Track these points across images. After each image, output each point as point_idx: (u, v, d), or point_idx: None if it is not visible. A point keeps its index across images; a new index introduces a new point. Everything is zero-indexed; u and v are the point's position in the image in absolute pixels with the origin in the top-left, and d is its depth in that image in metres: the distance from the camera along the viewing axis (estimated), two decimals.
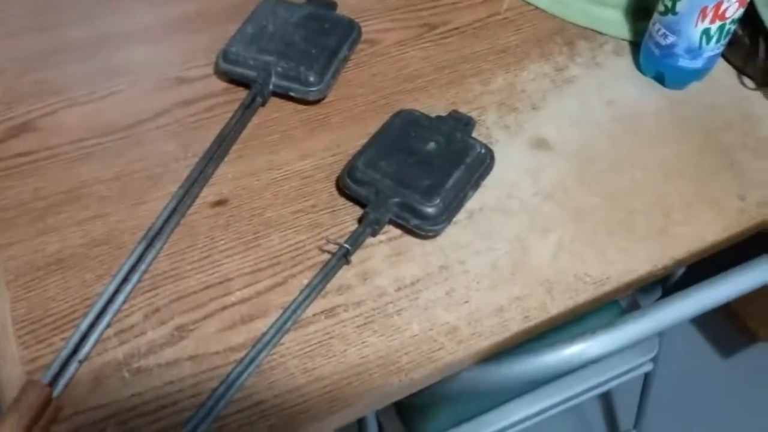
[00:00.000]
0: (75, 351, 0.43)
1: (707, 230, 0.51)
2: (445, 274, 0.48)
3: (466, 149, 0.52)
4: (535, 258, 0.49)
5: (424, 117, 0.54)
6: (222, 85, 0.59)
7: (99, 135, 0.55)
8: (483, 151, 0.52)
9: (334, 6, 0.63)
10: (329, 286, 0.47)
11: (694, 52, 0.56)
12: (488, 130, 0.56)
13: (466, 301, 0.47)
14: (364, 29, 0.62)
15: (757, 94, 0.60)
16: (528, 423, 0.71)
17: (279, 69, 0.56)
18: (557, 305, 0.47)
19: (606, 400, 1.15)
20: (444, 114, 0.55)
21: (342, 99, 0.58)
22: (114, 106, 0.57)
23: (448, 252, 0.49)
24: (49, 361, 0.43)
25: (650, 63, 0.60)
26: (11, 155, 0.53)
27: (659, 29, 0.57)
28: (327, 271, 0.47)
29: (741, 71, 0.61)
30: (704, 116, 0.58)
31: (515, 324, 0.46)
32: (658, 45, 0.58)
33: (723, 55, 0.60)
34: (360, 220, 0.49)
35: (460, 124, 0.54)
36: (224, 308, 0.46)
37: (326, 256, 0.48)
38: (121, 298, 0.45)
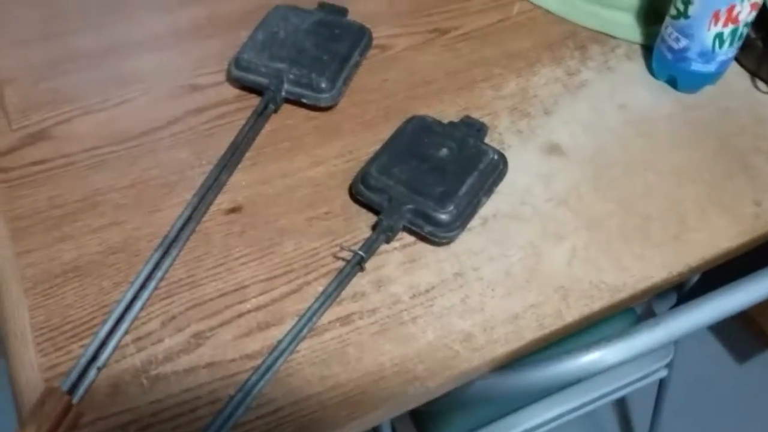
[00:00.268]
0: (94, 358, 0.43)
1: (722, 236, 0.51)
2: (459, 281, 0.48)
3: (479, 155, 0.52)
4: (550, 265, 0.49)
5: (437, 123, 0.54)
6: (234, 92, 0.59)
7: (113, 143, 0.55)
8: (496, 156, 0.52)
9: (344, 12, 0.63)
10: (344, 294, 0.47)
11: (707, 55, 0.56)
12: (501, 136, 0.56)
13: (481, 309, 0.47)
14: (375, 35, 0.62)
15: None
16: (542, 429, 0.71)
17: (291, 76, 0.56)
18: (572, 312, 0.47)
19: (621, 406, 1.14)
20: (456, 120, 0.55)
21: (354, 105, 0.58)
22: (127, 114, 0.57)
23: (462, 259, 0.49)
24: (68, 369, 0.43)
25: (663, 67, 0.60)
26: (26, 164, 0.54)
27: (672, 33, 0.57)
28: (342, 279, 0.47)
29: (754, 75, 0.61)
30: (718, 120, 0.58)
31: (530, 331, 0.46)
32: (670, 49, 0.58)
33: (736, 58, 0.60)
34: (373, 227, 0.50)
35: (472, 129, 0.54)
36: (240, 315, 0.46)
37: (340, 264, 0.48)
38: (138, 305, 0.45)
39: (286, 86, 0.56)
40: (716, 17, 0.54)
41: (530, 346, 0.46)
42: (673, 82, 0.60)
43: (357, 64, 0.60)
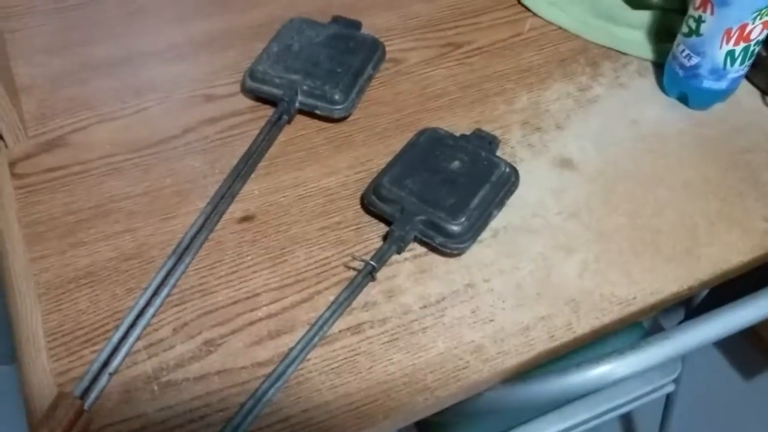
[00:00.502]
0: (106, 363, 0.43)
1: (733, 251, 0.51)
2: (470, 292, 0.48)
3: (490, 168, 0.52)
4: (561, 277, 0.49)
5: (449, 135, 0.55)
6: (248, 102, 0.60)
7: (128, 151, 0.56)
8: (508, 169, 0.52)
9: (358, 25, 0.64)
10: (355, 303, 0.47)
11: (718, 73, 0.57)
12: (512, 149, 0.57)
13: (492, 320, 0.47)
14: (388, 48, 0.62)
15: None
16: None
17: (305, 87, 0.57)
18: (583, 325, 0.47)
19: (627, 421, 1.13)
20: (468, 133, 0.56)
21: (367, 117, 0.59)
22: (143, 123, 0.58)
23: (473, 270, 0.49)
24: (80, 374, 0.43)
25: (674, 84, 0.60)
26: (42, 170, 0.54)
27: (683, 50, 0.57)
28: (353, 288, 0.47)
29: (765, 92, 0.61)
30: (728, 137, 0.58)
31: (541, 343, 0.46)
32: (682, 66, 0.58)
33: (747, 76, 0.60)
34: (385, 238, 0.50)
35: (484, 142, 0.55)
36: (251, 323, 0.46)
37: (351, 273, 0.49)
38: (150, 311, 0.46)
39: (300, 98, 0.57)
40: (728, 35, 0.54)
41: (540, 358, 0.46)
42: (684, 99, 0.60)
43: (370, 77, 0.60)
